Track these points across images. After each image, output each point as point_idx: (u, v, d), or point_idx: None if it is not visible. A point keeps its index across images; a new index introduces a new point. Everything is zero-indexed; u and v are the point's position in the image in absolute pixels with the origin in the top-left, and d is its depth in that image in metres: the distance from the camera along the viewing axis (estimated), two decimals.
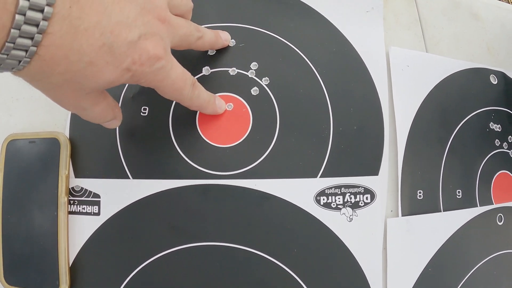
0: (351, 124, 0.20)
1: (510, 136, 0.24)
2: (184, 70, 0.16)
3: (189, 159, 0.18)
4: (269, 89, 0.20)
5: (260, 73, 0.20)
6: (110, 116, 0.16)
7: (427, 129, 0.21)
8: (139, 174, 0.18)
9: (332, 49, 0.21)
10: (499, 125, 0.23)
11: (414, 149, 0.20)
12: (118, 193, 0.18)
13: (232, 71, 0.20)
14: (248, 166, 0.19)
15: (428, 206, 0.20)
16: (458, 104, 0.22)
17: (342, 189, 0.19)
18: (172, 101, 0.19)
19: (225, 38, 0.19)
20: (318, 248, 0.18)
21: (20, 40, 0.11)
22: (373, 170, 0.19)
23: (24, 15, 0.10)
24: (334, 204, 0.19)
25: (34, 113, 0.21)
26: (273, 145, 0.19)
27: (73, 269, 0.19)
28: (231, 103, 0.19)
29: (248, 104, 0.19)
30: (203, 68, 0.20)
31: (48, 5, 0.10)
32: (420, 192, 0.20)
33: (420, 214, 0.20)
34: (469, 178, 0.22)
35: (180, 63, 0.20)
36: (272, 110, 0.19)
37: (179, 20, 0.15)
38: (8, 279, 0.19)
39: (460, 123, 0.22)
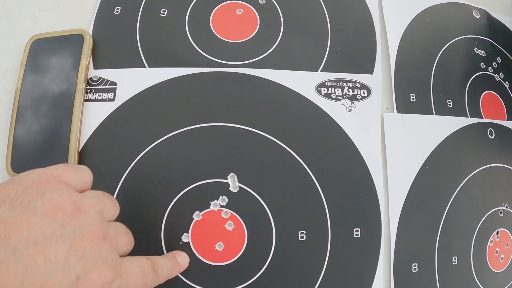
0: (346, 32, 0.23)
1: (494, 63, 0.27)
2: (138, 262, 0.15)
3: (202, 50, 0.21)
4: (275, 1, 0.23)
5: None
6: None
7: (416, 45, 0.24)
8: (155, 63, 0.21)
9: None
10: (483, 51, 0.27)
11: (404, 59, 0.24)
12: (134, 80, 0.21)
13: None
14: (255, 58, 0.22)
15: (421, 109, 0.23)
16: (443, 29, 0.26)
17: (341, 83, 0.22)
18: (190, 4, 0.23)
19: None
20: (320, 133, 0.21)
21: None
22: (368, 69, 0.22)
23: None
24: (334, 95, 0.21)
25: (59, 20, 0.24)
26: (278, 43, 0.22)
27: (82, 153, 0.20)
28: (241, 9, 0.23)
29: (256, 10, 0.23)
30: None
31: None
32: (412, 96, 0.23)
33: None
34: (458, 91, 0.25)
35: None
36: (277, 16, 0.23)
37: (119, 226, 0.15)
38: (14, 166, 0.21)
39: (446, 44, 0.26)
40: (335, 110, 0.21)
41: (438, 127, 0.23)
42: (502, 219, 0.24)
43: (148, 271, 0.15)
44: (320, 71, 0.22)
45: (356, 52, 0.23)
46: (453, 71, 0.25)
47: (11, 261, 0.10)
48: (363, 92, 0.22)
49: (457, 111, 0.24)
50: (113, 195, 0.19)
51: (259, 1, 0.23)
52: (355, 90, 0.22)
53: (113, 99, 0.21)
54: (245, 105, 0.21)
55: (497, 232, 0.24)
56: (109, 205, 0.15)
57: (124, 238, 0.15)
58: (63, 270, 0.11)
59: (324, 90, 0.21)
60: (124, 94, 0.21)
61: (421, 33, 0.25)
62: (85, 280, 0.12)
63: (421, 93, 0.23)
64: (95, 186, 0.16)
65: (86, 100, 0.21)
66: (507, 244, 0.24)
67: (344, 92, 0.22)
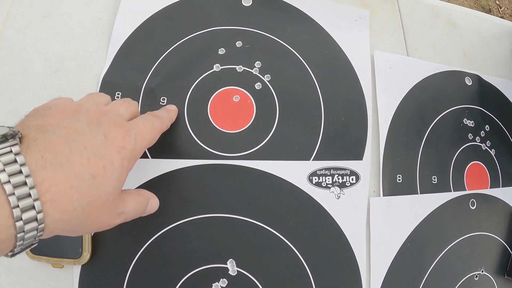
0: (339, 116, 0.25)
1: (482, 132, 0.30)
2: (141, 116, 0.20)
3: (201, 142, 0.24)
4: (270, 85, 0.25)
5: (262, 71, 0.26)
6: (145, 202, 0.20)
7: (407, 122, 0.27)
8: (157, 154, 0.23)
9: (324, 51, 0.27)
10: (472, 121, 0.29)
11: (394, 139, 0.26)
12: (139, 171, 0.23)
13: (239, 68, 0.26)
14: (252, 149, 0.24)
15: (406, 189, 0.26)
16: (435, 102, 0.28)
17: (331, 170, 0.24)
18: (187, 93, 0.25)
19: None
20: (311, 220, 0.24)
21: (27, 226, 0.13)
22: (358, 155, 0.25)
23: (18, 206, 0.13)
24: (324, 184, 0.24)
25: None
26: (273, 132, 0.24)
27: (95, 238, 0.23)
28: (237, 95, 0.25)
29: (252, 97, 0.25)
30: (214, 65, 0.25)
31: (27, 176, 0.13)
32: (399, 176, 0.26)
33: (399, 195, 0.25)
34: (443, 166, 0.27)
35: (192, 61, 0.25)
36: (273, 102, 0.25)
37: (115, 102, 0.19)
38: (33, 249, 0.24)
39: (436, 118, 0.28)
40: (325, 198, 0.24)
41: (421, 206, 0.26)
42: (477, 283, 0.28)
43: (150, 117, 0.20)
44: (312, 159, 0.24)
45: (347, 137, 0.25)
46: (440, 146, 0.27)
47: (55, 138, 0.14)
48: (352, 179, 0.25)
49: (441, 187, 0.27)
50: (125, 277, 0.23)
51: (256, 86, 0.25)
52: (345, 177, 0.24)
53: None
54: (242, 196, 0.23)
55: None
56: (99, 96, 0.19)
57: (122, 106, 0.19)
58: (92, 134, 0.16)
59: (315, 179, 0.24)
60: (129, 185, 0.23)
61: (411, 110, 0.27)
62: (110, 136, 0.16)
63: (407, 173, 0.26)
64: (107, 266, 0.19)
65: None
66: None
67: (334, 180, 0.24)
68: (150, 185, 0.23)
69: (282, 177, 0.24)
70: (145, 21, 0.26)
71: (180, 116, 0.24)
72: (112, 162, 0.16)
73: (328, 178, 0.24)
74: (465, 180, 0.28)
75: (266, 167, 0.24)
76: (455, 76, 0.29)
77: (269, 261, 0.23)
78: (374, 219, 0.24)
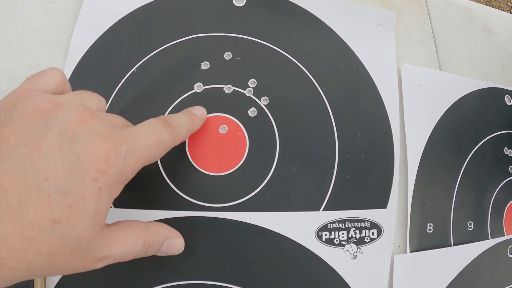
0: (358, 151, 0.16)
1: None
2: (145, 123, 0.12)
3: (177, 188, 0.15)
4: (268, 110, 0.16)
5: (258, 92, 0.17)
6: (155, 241, 0.12)
7: (440, 156, 0.18)
8: (121, 203, 0.15)
9: (339, 65, 0.18)
10: None
11: (425, 178, 0.17)
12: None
13: (228, 88, 0.17)
14: (243, 197, 0.15)
15: (438, 240, 0.17)
16: (472, 128, 0.19)
17: (347, 223, 0.16)
18: None
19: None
20: None
21: None
22: (381, 202, 0.16)
23: None
24: (337, 240, 0.16)
25: None
26: (271, 174, 0.16)
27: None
28: (225, 125, 0.16)
29: (244, 127, 0.16)
30: (195, 85, 0.17)
31: None
32: (430, 226, 0.17)
33: (429, 249, 0.17)
34: (481, 208, 0.19)
35: (166, 79, 0.16)
36: (271, 134, 0.16)
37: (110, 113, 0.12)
38: None
39: (473, 149, 0.19)
40: (338, 258, 0.16)
41: (455, 260, 0.18)
42: None
43: (159, 126, 0.12)
44: (323, 209, 0.16)
45: (368, 179, 0.16)
46: (478, 184, 0.19)
47: (8, 167, 0.09)
48: (373, 233, 0.16)
49: (478, 234, 0.18)
50: None
51: (249, 113, 0.16)
52: (363, 231, 0.16)
53: None
54: (231, 259, 0.15)
55: None
56: (90, 96, 0.13)
57: (119, 119, 0.12)
58: (60, 156, 0.10)
59: (326, 235, 0.16)
60: None
61: (445, 140, 0.18)
62: (87, 156, 0.10)
63: (439, 220, 0.17)
64: None
65: None
66: None
67: (349, 235, 0.16)
68: None
69: (282, 233, 0.15)
70: (110, 27, 0.17)
71: None
72: (82, 197, 0.10)
73: (343, 234, 0.16)
74: (504, 223, 0.19)
75: (261, 220, 0.15)
76: (494, 95, 0.20)
77: None
78: (399, 281, 0.16)
